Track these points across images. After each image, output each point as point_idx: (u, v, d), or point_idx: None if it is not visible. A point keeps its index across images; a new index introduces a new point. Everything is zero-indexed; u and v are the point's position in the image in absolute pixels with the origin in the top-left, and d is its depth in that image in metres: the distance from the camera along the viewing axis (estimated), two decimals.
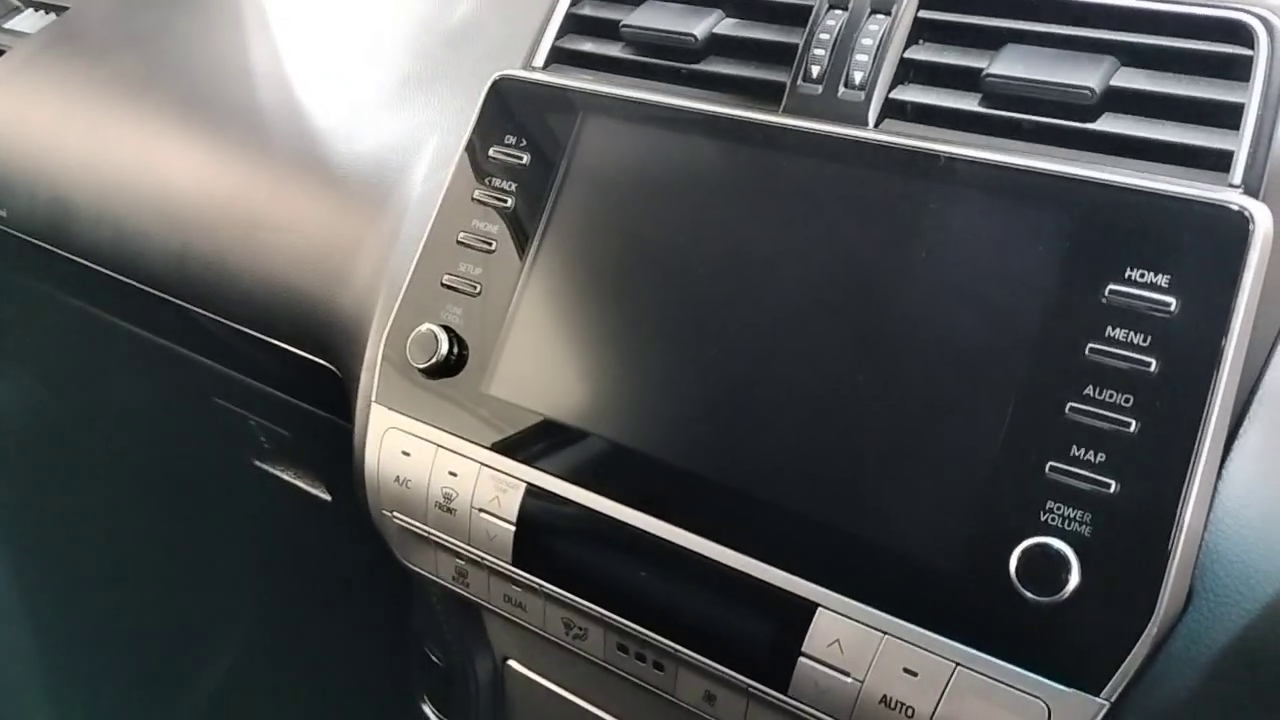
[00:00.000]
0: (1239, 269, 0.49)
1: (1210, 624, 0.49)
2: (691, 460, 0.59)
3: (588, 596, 0.63)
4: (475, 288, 0.68)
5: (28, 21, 1.12)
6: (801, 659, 0.55)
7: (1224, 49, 0.55)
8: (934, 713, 0.51)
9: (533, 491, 0.63)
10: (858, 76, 0.62)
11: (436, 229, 0.71)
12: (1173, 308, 0.50)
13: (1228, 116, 0.54)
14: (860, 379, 0.55)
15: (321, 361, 0.82)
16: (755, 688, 0.58)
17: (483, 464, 0.65)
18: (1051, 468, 0.50)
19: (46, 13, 1.12)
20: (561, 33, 0.74)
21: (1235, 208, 0.50)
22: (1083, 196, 0.53)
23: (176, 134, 0.91)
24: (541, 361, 0.65)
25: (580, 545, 0.63)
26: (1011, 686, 0.50)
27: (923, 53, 0.62)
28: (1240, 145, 0.53)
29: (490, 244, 0.68)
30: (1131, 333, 0.50)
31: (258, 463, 1.12)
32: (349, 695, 1.32)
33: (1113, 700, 0.48)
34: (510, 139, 0.70)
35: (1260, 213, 0.49)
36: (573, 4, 0.74)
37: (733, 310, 0.60)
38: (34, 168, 0.96)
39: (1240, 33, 0.55)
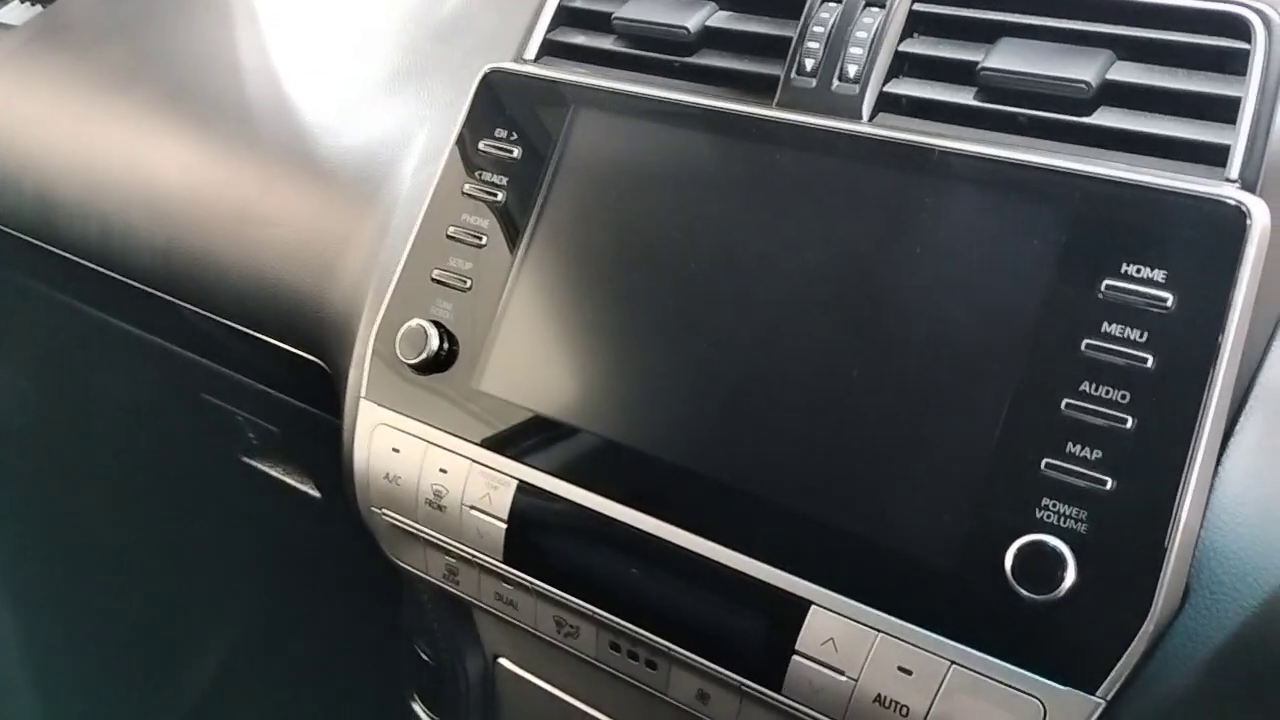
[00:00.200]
0: (1236, 264, 0.49)
1: (1207, 622, 0.48)
2: (685, 457, 0.58)
3: (579, 594, 0.62)
4: (465, 282, 0.67)
5: (14, 13, 1.11)
6: (795, 657, 0.55)
7: (1221, 43, 0.55)
8: (929, 711, 0.51)
9: (524, 488, 0.63)
10: (852, 70, 0.61)
11: (426, 223, 0.70)
12: (1169, 303, 0.49)
13: (1224, 111, 0.53)
14: (854, 374, 0.55)
15: (310, 357, 0.82)
16: (748, 686, 0.57)
17: (473, 461, 0.65)
18: (1047, 464, 0.50)
19: (33, 4, 1.10)
20: (553, 25, 0.73)
21: (1232, 202, 0.49)
22: (1078, 191, 0.52)
23: (164, 128, 0.90)
24: (533, 357, 0.64)
25: (572, 542, 0.62)
26: (1007, 685, 0.49)
27: (918, 46, 0.61)
28: (1237, 140, 0.52)
29: (481, 238, 0.68)
30: (1128, 328, 0.50)
31: (246, 459, 1.11)
32: (339, 693, 1.31)
33: (1109, 699, 0.48)
34: (501, 132, 0.69)
35: (1257, 207, 0.49)
36: None
37: (726, 305, 0.59)
38: (20, 162, 0.95)
39: (1237, 27, 0.54)
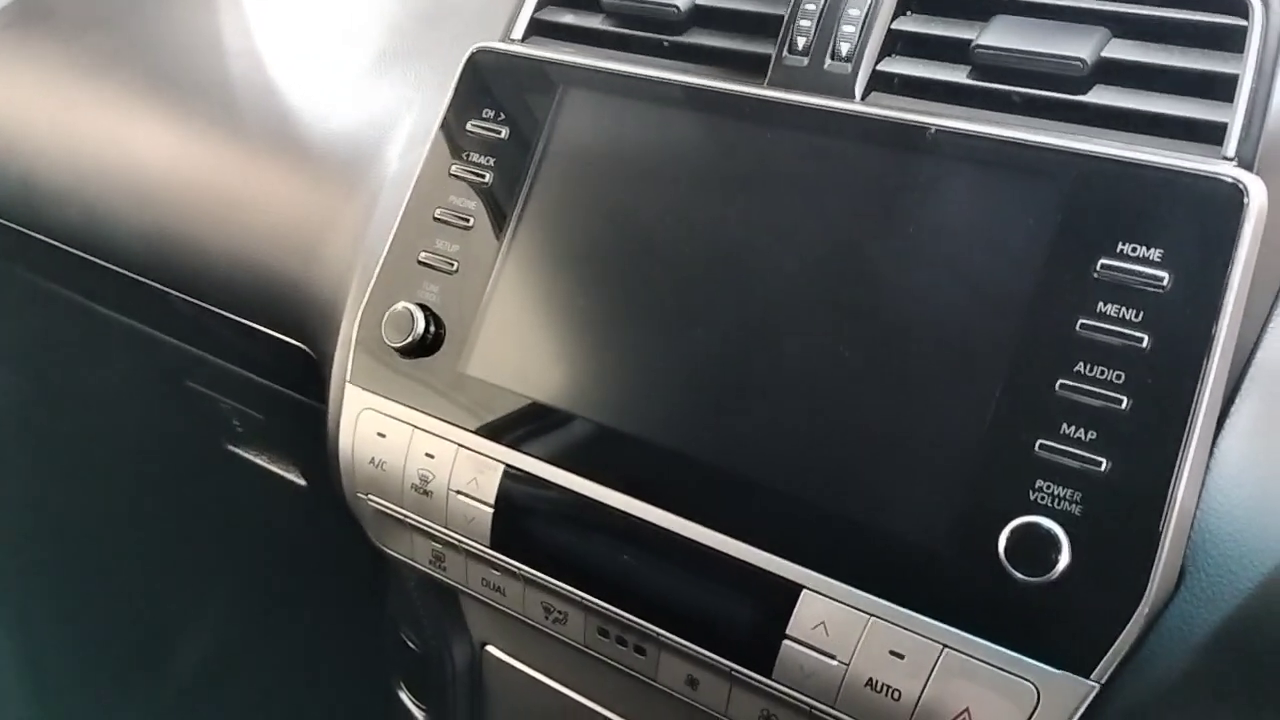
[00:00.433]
0: (1233, 243, 0.48)
1: (1202, 604, 0.48)
2: (674, 440, 0.58)
3: (567, 580, 0.61)
4: (452, 265, 0.66)
5: None
6: (786, 642, 0.54)
7: (1218, 19, 0.54)
8: (920, 695, 0.50)
9: (511, 473, 0.62)
10: (844, 48, 0.60)
11: (412, 205, 0.69)
12: (1165, 282, 0.49)
13: (1221, 88, 0.53)
14: (847, 356, 0.54)
15: (295, 342, 0.81)
16: (738, 671, 0.57)
17: (460, 445, 0.64)
18: (1041, 445, 0.49)
19: None
20: (540, 4, 0.72)
21: (1229, 180, 0.49)
22: (1073, 169, 0.52)
23: (148, 113, 0.89)
24: (520, 340, 0.63)
25: (560, 527, 0.62)
26: (1000, 668, 0.49)
27: (910, 24, 0.60)
28: (1234, 117, 0.52)
29: (468, 220, 0.67)
30: (1123, 308, 0.49)
31: (231, 447, 1.10)
32: (326, 683, 1.30)
33: (1103, 682, 0.47)
34: (488, 113, 0.68)
35: (1254, 185, 0.48)
36: None
37: (716, 287, 0.58)
38: (2, 147, 0.94)
39: (1235, 4, 0.54)
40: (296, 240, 0.78)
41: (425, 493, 0.65)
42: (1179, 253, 0.49)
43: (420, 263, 0.68)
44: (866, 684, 0.52)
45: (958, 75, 0.59)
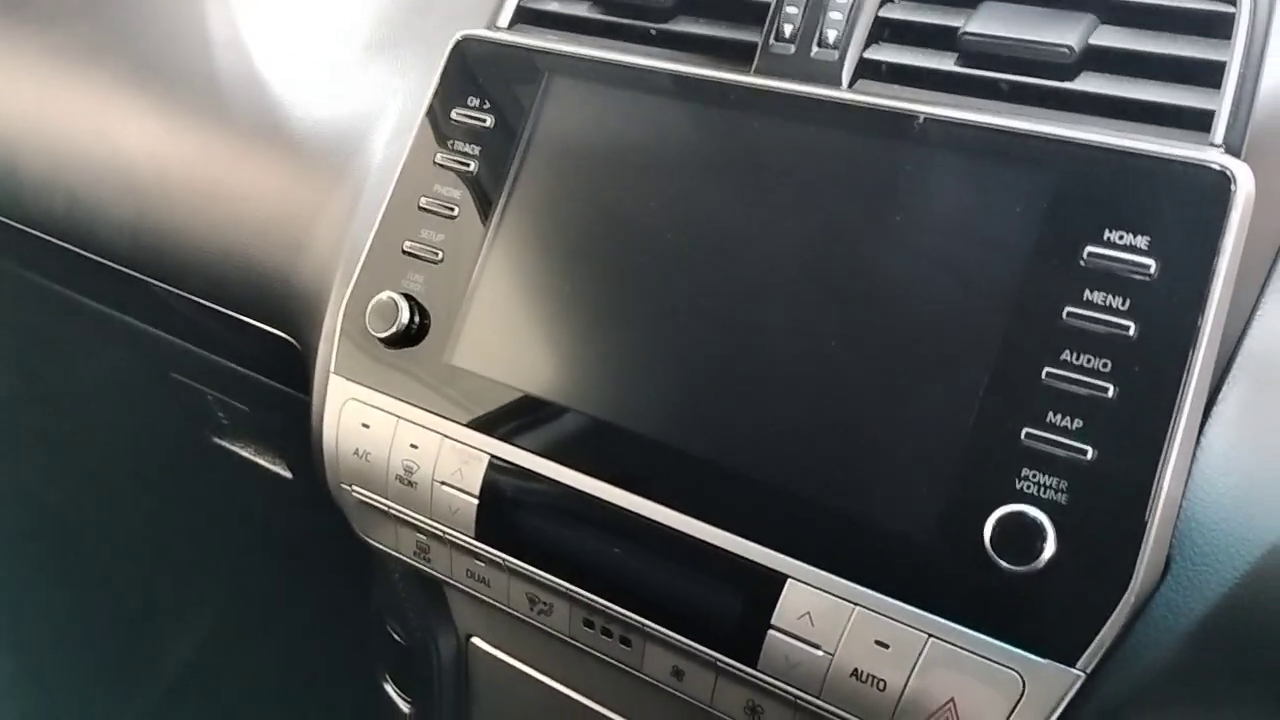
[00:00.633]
0: (1220, 230, 0.48)
1: (1189, 593, 0.48)
2: (659, 431, 0.57)
3: (552, 571, 0.61)
4: (437, 254, 0.66)
5: None
6: (771, 632, 0.54)
7: (1205, 6, 0.54)
8: (905, 685, 0.50)
9: (496, 463, 0.62)
10: (831, 35, 0.60)
11: (397, 194, 0.69)
12: (1152, 270, 0.48)
13: (1209, 75, 0.53)
14: (832, 345, 0.54)
15: (280, 333, 0.80)
16: (724, 662, 0.56)
17: (445, 436, 0.63)
18: (1027, 434, 0.49)
19: None
20: None
21: (1216, 167, 0.48)
22: (1060, 157, 0.51)
23: (132, 102, 0.88)
24: (505, 331, 0.63)
25: (545, 518, 0.61)
26: (985, 658, 0.48)
27: (898, 11, 0.60)
28: (1221, 104, 0.51)
29: (453, 209, 0.66)
30: (1110, 296, 0.49)
31: (217, 440, 1.09)
32: (312, 675, 1.30)
33: (1089, 671, 0.47)
34: (473, 101, 0.68)
35: (1242, 172, 0.48)
36: None
37: (701, 276, 0.58)
38: None
39: None
40: (281, 231, 0.78)
41: (409, 484, 0.65)
42: (1166, 240, 0.48)
43: (405, 252, 0.67)
44: (852, 674, 0.52)
45: (945, 63, 0.58)
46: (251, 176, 0.80)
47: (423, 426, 0.64)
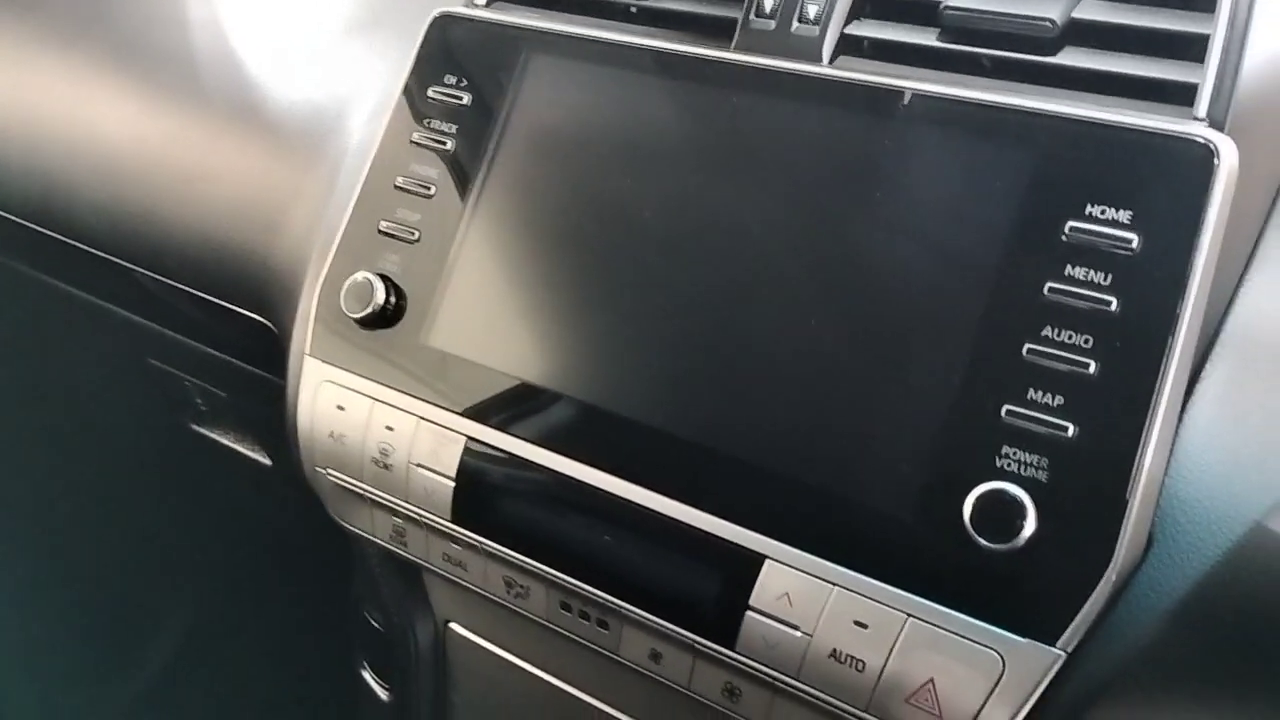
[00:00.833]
0: (1203, 204, 0.47)
1: (1170, 571, 0.47)
2: (637, 411, 0.57)
3: (529, 553, 0.60)
4: (414, 234, 0.65)
5: None
6: (749, 613, 0.53)
7: None
8: (884, 666, 0.49)
9: (473, 445, 0.61)
10: (812, 11, 0.59)
11: (373, 173, 0.68)
12: (1134, 245, 0.48)
13: (1192, 49, 0.52)
14: (812, 322, 0.53)
15: (257, 317, 0.79)
16: (701, 644, 0.55)
17: (421, 418, 0.63)
18: (1008, 411, 0.48)
19: None
20: None
21: (1200, 141, 0.48)
22: (1042, 131, 0.51)
23: (108, 84, 0.87)
24: (482, 311, 0.62)
25: (521, 500, 0.60)
26: (965, 638, 0.48)
27: None
28: (1205, 78, 0.51)
29: (429, 189, 0.65)
30: (1092, 271, 0.48)
31: (195, 427, 1.08)
32: (292, 663, 1.29)
33: (1070, 650, 0.46)
34: (450, 79, 0.67)
35: (1225, 146, 0.47)
36: None
37: (680, 254, 0.57)
38: None
39: None
40: (258, 213, 0.77)
41: (385, 466, 0.64)
42: (1149, 215, 0.48)
43: (381, 232, 0.66)
44: (830, 655, 0.51)
45: (927, 38, 0.57)
46: (228, 158, 0.79)
47: (398, 409, 0.63)
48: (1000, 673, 0.47)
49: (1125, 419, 0.46)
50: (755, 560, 0.52)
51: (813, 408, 0.52)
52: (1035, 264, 0.49)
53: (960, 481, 0.48)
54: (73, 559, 1.32)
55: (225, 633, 1.41)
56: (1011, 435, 0.48)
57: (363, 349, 0.65)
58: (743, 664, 0.54)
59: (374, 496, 0.66)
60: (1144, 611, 0.47)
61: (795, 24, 0.59)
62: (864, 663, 0.50)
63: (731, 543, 0.53)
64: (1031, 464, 0.47)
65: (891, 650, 0.49)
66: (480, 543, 0.62)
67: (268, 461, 1.04)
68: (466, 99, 0.66)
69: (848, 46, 0.59)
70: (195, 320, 0.90)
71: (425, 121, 0.67)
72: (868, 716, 0.51)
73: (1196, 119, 0.50)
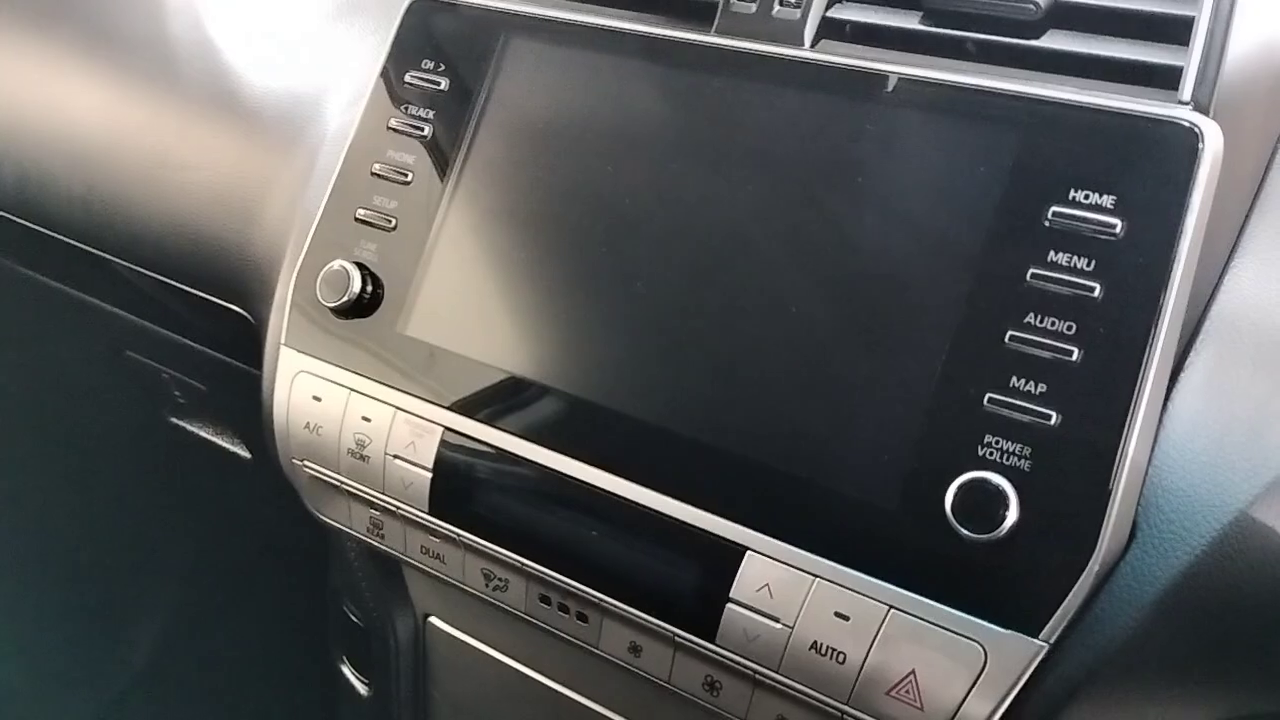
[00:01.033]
0: (1187, 188, 0.46)
1: (1154, 561, 0.46)
2: (616, 401, 0.56)
3: (507, 545, 0.59)
4: (390, 222, 0.64)
5: None
6: (729, 605, 0.52)
7: None
8: (865, 658, 0.49)
9: (450, 436, 0.60)
10: None
11: (350, 160, 0.67)
12: (1118, 230, 0.47)
13: (1177, 32, 0.51)
14: (793, 310, 0.52)
15: (233, 307, 0.78)
16: (682, 637, 0.55)
17: (398, 408, 0.62)
18: (990, 399, 0.47)
19: None
20: None
21: (1184, 124, 0.47)
22: (1025, 115, 0.50)
23: (82, 71, 0.86)
24: (460, 300, 0.61)
25: (499, 491, 0.59)
26: (946, 629, 0.47)
27: None
28: (1189, 61, 0.50)
29: (407, 175, 0.64)
30: (1075, 256, 0.47)
31: (174, 420, 1.07)
32: (272, 658, 1.28)
33: (1052, 642, 0.46)
34: (428, 64, 0.66)
35: (1210, 129, 0.47)
36: None
37: (661, 241, 0.56)
38: None
39: None
40: (233, 200, 0.76)
41: (362, 458, 0.63)
42: (1132, 199, 0.47)
43: (358, 220, 0.65)
44: (811, 647, 0.50)
45: (909, 21, 0.57)
46: (205, 146, 0.78)
47: (375, 399, 0.62)
48: (982, 664, 0.47)
49: (1109, 407, 0.46)
50: (735, 552, 0.52)
51: (794, 396, 0.51)
52: (1018, 250, 0.48)
53: (942, 471, 0.47)
54: (51, 553, 1.30)
55: (204, 628, 1.40)
56: (994, 424, 0.47)
57: (339, 339, 0.64)
58: (723, 657, 0.54)
59: (351, 488, 0.65)
60: (1127, 602, 0.46)
61: (776, 7, 0.58)
62: (845, 655, 0.49)
63: (711, 534, 0.52)
64: (1014, 453, 0.47)
65: (873, 642, 0.49)
66: (458, 535, 0.61)
67: (247, 455, 1.03)
68: (444, 84, 0.65)
69: (829, 30, 0.58)
70: (172, 311, 0.89)
71: (402, 107, 0.66)
72: (849, 709, 0.51)
73: (1181, 102, 0.50)
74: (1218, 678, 0.49)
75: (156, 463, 1.21)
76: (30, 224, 0.88)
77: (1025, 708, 0.47)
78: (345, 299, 0.62)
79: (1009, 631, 0.46)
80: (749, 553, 0.51)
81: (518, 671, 0.71)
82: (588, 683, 0.69)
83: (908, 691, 0.48)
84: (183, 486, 1.23)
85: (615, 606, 0.57)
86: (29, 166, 0.86)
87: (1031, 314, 0.48)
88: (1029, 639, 0.46)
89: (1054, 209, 0.48)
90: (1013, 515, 0.46)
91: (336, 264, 0.63)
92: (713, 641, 0.53)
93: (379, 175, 0.65)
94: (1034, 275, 0.48)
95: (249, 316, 0.77)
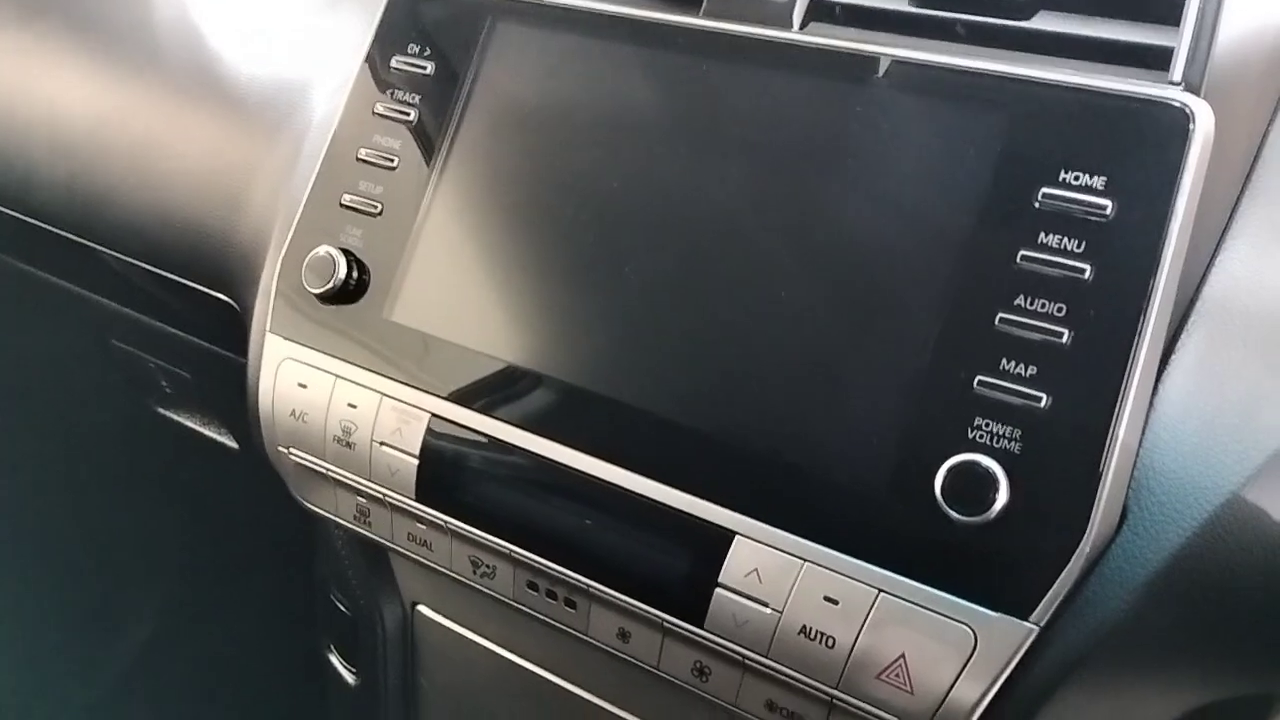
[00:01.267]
0: (1179, 169, 0.46)
1: (1146, 543, 0.46)
2: (603, 385, 0.55)
3: (494, 531, 0.59)
4: (376, 207, 0.63)
5: None
6: (718, 590, 0.52)
7: None
8: (855, 642, 0.48)
9: (436, 422, 0.59)
10: None
11: (335, 146, 0.66)
12: (1109, 211, 0.47)
13: (1168, 11, 0.51)
14: (782, 294, 0.52)
15: (219, 295, 0.78)
16: (670, 622, 0.54)
17: (384, 395, 0.61)
18: (980, 382, 0.47)
19: None
20: None
21: (1175, 104, 0.47)
22: (1015, 96, 0.49)
23: (67, 58, 0.85)
24: (447, 285, 0.61)
25: (486, 477, 0.59)
26: (936, 612, 0.47)
27: None
28: (1180, 41, 0.50)
29: (393, 161, 0.64)
30: (1065, 238, 0.47)
31: (161, 410, 1.06)
32: (261, 649, 1.27)
33: (1042, 625, 0.45)
34: (414, 48, 0.65)
35: (1201, 110, 0.46)
36: None
37: (647, 225, 0.56)
38: None
39: None
40: (219, 187, 0.75)
41: (348, 445, 0.62)
42: (1123, 180, 0.47)
43: (343, 205, 0.64)
44: (800, 631, 0.50)
45: (899, 3, 0.56)
46: (190, 133, 0.78)
47: (361, 385, 0.62)
48: (972, 648, 0.46)
49: (1099, 389, 0.45)
50: (724, 536, 0.51)
51: (782, 380, 0.51)
52: (1008, 232, 0.48)
53: (932, 453, 0.47)
54: (37, 544, 1.29)
55: (192, 619, 1.39)
56: (984, 406, 0.47)
57: (324, 325, 0.64)
58: (712, 642, 0.53)
59: (337, 476, 0.64)
60: (1118, 585, 0.46)
61: None
62: (834, 639, 0.49)
63: (700, 519, 0.52)
64: (1004, 435, 0.46)
65: (862, 626, 0.48)
66: (445, 522, 0.61)
67: (234, 445, 1.02)
68: (430, 69, 0.64)
69: (818, 12, 0.58)
70: (158, 299, 0.88)
71: (388, 92, 0.65)
72: (838, 694, 0.50)
73: (1172, 83, 0.49)
74: (1209, 660, 0.48)
75: (144, 453, 1.20)
76: (13, 212, 0.87)
77: (1016, 691, 0.47)
78: (331, 285, 0.62)
79: (999, 614, 0.46)
80: (738, 537, 0.51)
81: (506, 659, 0.71)
82: (576, 670, 0.68)
83: (897, 675, 0.48)
84: (170, 477, 1.22)
85: (603, 593, 0.56)
86: (12, 154, 0.85)
87: (1022, 296, 0.47)
88: (1019, 622, 0.45)
89: (1044, 190, 0.48)
90: (1003, 498, 0.45)
91: (322, 250, 0.63)
92: (701, 627, 0.53)
93: (364, 161, 0.64)
94: (1024, 257, 0.47)
95: (235, 304, 0.76)
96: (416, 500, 0.61)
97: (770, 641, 0.51)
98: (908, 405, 0.48)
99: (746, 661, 0.53)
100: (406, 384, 0.61)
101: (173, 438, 1.06)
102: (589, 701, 0.69)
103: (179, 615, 1.39)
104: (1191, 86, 0.49)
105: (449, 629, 0.73)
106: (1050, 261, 0.47)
